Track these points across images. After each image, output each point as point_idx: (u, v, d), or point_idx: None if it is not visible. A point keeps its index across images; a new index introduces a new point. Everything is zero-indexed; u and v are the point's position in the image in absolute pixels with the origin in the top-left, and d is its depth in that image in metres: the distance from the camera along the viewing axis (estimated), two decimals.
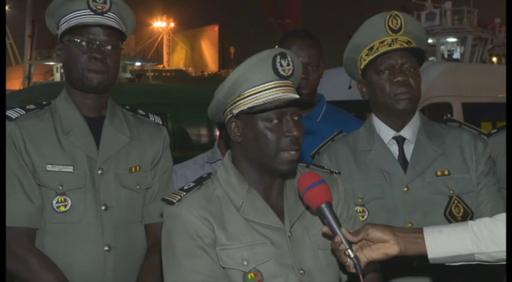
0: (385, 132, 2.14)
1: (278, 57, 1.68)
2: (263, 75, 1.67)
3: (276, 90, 1.67)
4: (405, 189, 2.06)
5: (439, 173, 2.07)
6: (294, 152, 1.67)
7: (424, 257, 1.63)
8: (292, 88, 1.72)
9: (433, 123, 2.22)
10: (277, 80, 1.68)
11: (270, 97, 1.66)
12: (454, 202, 2.05)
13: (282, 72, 1.68)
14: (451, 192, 2.05)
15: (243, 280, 1.64)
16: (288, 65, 1.69)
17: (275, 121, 1.66)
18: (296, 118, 1.69)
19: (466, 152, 2.10)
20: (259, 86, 1.67)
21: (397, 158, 2.11)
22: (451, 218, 2.02)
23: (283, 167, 1.68)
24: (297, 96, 1.71)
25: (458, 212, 2.04)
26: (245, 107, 1.68)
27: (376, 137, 2.14)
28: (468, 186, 2.07)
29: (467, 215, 2.04)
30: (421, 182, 2.06)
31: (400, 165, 2.09)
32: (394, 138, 2.13)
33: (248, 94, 1.68)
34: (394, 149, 2.12)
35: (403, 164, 2.09)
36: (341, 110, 2.98)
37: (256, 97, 1.67)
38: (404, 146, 2.12)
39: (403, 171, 2.08)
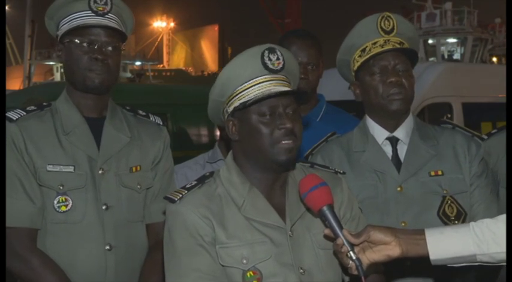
0: (379, 133, 2.14)
1: (266, 52, 1.70)
2: (253, 70, 1.69)
3: (266, 84, 1.68)
4: (399, 188, 2.06)
5: (432, 173, 2.08)
6: (289, 142, 1.67)
7: (420, 258, 1.63)
8: (284, 82, 1.72)
9: (427, 125, 2.23)
10: (267, 74, 1.69)
11: (260, 91, 1.68)
12: (447, 202, 2.05)
13: (271, 66, 1.69)
14: (445, 192, 2.06)
15: (242, 278, 1.64)
16: (278, 59, 1.70)
17: (268, 115, 1.67)
18: (290, 112, 1.69)
19: (460, 154, 2.11)
20: (250, 81, 1.69)
21: (390, 158, 2.11)
22: (444, 217, 2.03)
23: (280, 157, 1.67)
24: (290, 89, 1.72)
25: (452, 212, 2.04)
26: (238, 103, 1.69)
27: (369, 138, 2.15)
28: (461, 186, 2.08)
29: (461, 215, 2.05)
30: (415, 182, 2.06)
31: (393, 165, 2.09)
32: (388, 138, 2.13)
33: (240, 90, 1.70)
34: (388, 149, 2.13)
35: (397, 165, 2.10)
36: (341, 110, 2.98)
37: (247, 92, 1.69)
38: (398, 147, 2.13)
39: (397, 171, 2.08)
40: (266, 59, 1.69)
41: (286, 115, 1.67)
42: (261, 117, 1.67)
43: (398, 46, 2.09)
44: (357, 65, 2.13)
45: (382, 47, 2.07)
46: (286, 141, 1.66)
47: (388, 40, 2.08)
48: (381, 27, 2.09)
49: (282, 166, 1.72)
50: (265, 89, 1.68)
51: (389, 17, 2.11)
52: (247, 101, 1.67)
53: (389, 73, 2.06)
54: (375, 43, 2.09)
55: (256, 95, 1.67)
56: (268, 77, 1.69)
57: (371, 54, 2.08)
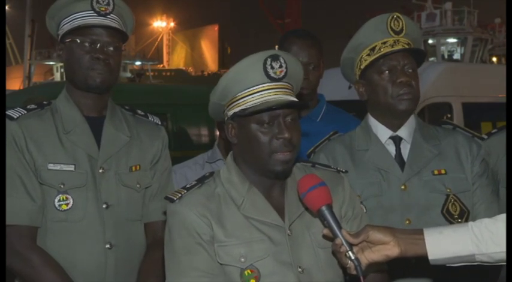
0: (382, 132, 2.15)
1: (269, 59, 1.68)
2: (254, 77, 1.68)
3: (267, 93, 1.68)
4: (403, 187, 2.07)
5: (435, 172, 2.10)
6: (287, 153, 1.67)
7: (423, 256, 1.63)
8: (285, 90, 1.71)
9: (428, 125, 2.25)
10: (268, 83, 1.68)
11: (261, 99, 1.67)
12: (450, 201, 2.07)
13: (272, 75, 1.68)
14: (448, 190, 2.08)
15: (240, 276, 1.65)
16: (280, 67, 1.69)
17: (267, 123, 1.67)
18: (290, 120, 1.68)
19: (462, 154, 2.13)
20: (251, 88, 1.68)
21: (393, 157, 2.13)
22: (448, 216, 2.05)
23: (277, 168, 1.68)
24: (291, 97, 1.71)
25: (455, 211, 2.06)
26: (237, 109, 1.69)
27: (372, 137, 2.16)
28: (464, 185, 2.10)
29: (464, 214, 2.07)
30: (418, 181, 2.08)
31: (397, 164, 2.11)
32: (391, 138, 2.15)
33: (241, 96, 1.69)
34: (391, 148, 2.14)
35: (400, 163, 2.11)
36: (341, 110, 2.98)
37: (247, 99, 1.68)
38: (401, 146, 2.14)
39: (400, 170, 2.09)
40: (268, 67, 1.68)
41: (285, 124, 1.67)
42: (260, 126, 1.67)
43: (407, 47, 2.11)
44: (364, 63, 2.14)
45: (392, 47, 2.09)
46: (283, 153, 1.67)
47: (398, 40, 2.11)
48: (391, 28, 2.11)
49: (277, 176, 1.73)
50: (265, 98, 1.67)
51: (398, 17, 2.13)
52: (247, 108, 1.67)
53: (398, 73, 2.08)
54: (384, 43, 2.10)
55: (256, 104, 1.66)
56: (269, 85, 1.68)
57: (381, 53, 2.09)
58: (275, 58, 1.69)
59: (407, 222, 2.04)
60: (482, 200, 2.10)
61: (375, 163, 2.11)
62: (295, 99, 1.72)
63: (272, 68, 1.68)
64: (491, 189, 2.15)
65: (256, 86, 1.68)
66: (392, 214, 2.05)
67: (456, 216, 2.05)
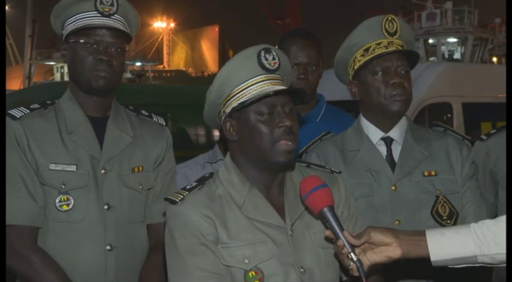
0: (374, 133, 2.17)
1: (262, 52, 1.71)
2: (249, 70, 1.70)
3: (264, 84, 1.70)
4: (393, 187, 2.09)
5: (426, 173, 2.12)
6: (290, 142, 1.68)
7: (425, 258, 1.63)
8: (280, 81, 1.74)
9: (420, 127, 2.27)
10: (264, 74, 1.71)
11: (258, 90, 1.69)
12: (440, 202, 2.09)
13: (267, 66, 1.71)
14: (438, 192, 2.10)
15: (244, 278, 1.65)
16: (274, 59, 1.72)
17: (266, 113, 1.68)
18: (288, 110, 1.70)
19: (452, 156, 2.15)
20: (247, 81, 1.70)
21: (385, 158, 2.14)
22: (437, 217, 2.07)
23: (280, 158, 1.68)
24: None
25: (444, 212, 2.08)
26: (236, 104, 1.70)
27: (364, 138, 2.18)
28: (454, 187, 2.12)
29: (453, 215, 2.09)
30: (409, 182, 2.10)
31: (388, 165, 2.12)
32: (383, 139, 2.16)
33: (238, 91, 1.71)
34: (382, 149, 2.16)
35: (391, 164, 2.13)
36: (341, 110, 2.98)
37: (245, 92, 1.70)
38: (392, 147, 2.16)
39: (391, 170, 2.11)
40: (263, 59, 1.71)
41: (284, 113, 1.69)
42: (260, 116, 1.68)
43: (401, 48, 2.13)
44: (358, 64, 2.15)
45: (387, 48, 2.11)
46: (286, 141, 1.67)
47: (392, 42, 2.12)
48: (385, 29, 2.13)
49: (281, 167, 1.73)
50: (263, 89, 1.69)
51: (393, 19, 2.15)
52: (246, 100, 1.68)
53: (392, 74, 2.10)
54: (379, 44, 2.12)
55: (255, 95, 1.68)
56: (264, 76, 1.71)
57: (375, 54, 2.11)
58: (268, 50, 1.72)
59: (397, 222, 2.05)
60: (471, 202, 2.12)
61: (366, 164, 2.13)
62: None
63: (266, 59, 1.71)
64: (480, 191, 2.17)
65: (253, 78, 1.70)
66: (382, 214, 2.07)
67: (445, 218, 2.07)
